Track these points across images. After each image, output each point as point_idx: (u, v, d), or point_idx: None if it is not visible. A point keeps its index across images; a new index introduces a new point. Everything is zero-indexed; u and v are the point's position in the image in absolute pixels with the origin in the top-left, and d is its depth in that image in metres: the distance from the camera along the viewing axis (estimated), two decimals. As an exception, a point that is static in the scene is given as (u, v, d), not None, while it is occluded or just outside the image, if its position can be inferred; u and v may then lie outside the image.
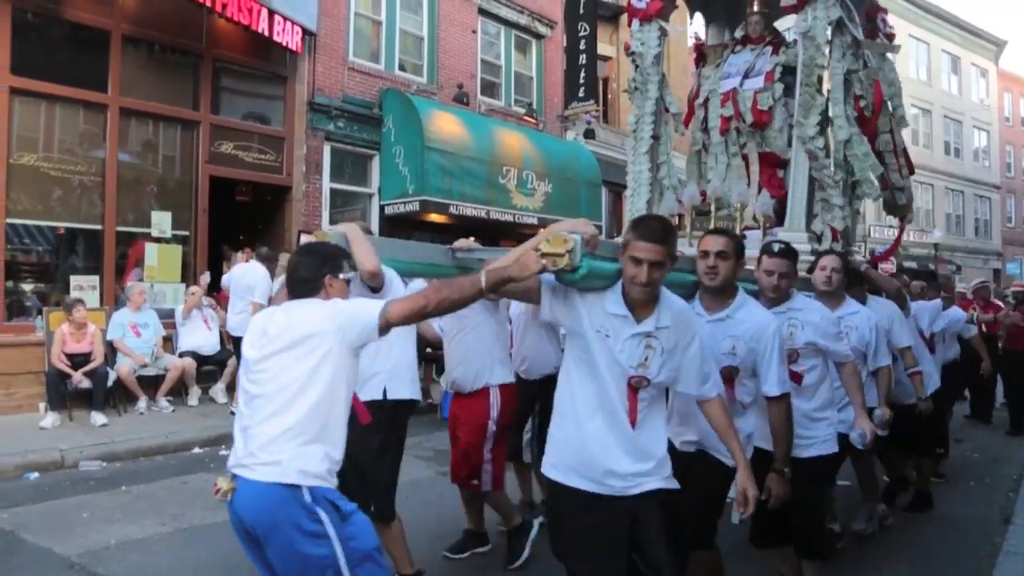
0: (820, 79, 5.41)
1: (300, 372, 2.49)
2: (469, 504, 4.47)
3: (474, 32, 13.95)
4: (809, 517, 3.63)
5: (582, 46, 14.44)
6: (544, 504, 4.23)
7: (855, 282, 4.65)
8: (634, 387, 2.62)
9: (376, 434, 3.51)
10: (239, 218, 11.49)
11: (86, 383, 7.46)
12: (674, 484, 2.70)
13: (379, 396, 3.59)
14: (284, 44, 10.37)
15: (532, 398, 4.85)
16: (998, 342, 9.31)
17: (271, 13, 9.96)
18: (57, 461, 6.32)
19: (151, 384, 8.29)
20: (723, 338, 3.12)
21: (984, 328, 8.98)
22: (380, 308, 2.54)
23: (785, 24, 6.72)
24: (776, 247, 3.55)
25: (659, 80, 6.29)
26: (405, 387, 3.72)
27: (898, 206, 6.44)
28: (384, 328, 2.55)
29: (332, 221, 11.68)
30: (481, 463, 4.18)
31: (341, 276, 2.79)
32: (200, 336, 8.82)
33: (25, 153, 8.52)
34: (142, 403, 7.97)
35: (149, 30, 9.46)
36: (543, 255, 2.46)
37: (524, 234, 11.09)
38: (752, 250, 5.05)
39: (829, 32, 5.47)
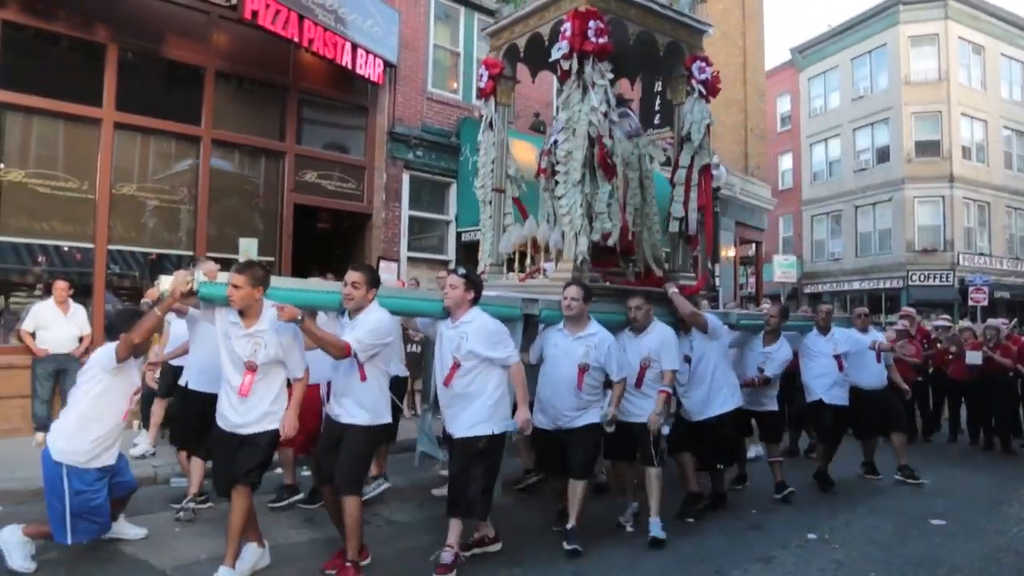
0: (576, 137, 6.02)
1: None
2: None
3: (549, 61, 14.07)
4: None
5: (657, 72, 14.41)
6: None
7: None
8: (249, 368, 4.13)
9: None
10: (320, 244, 11.83)
11: (177, 403, 7.71)
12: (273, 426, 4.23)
13: None
14: (366, 76, 10.72)
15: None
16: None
17: (354, 47, 10.32)
18: (151, 477, 6.57)
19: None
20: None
21: None
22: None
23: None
24: (451, 267, 4.27)
25: (495, 143, 7.36)
26: None
27: (674, 234, 7.39)
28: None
29: (411, 248, 11.92)
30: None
31: None
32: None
33: (125, 183, 9.01)
34: (229, 423, 8.21)
35: (239, 66, 9.93)
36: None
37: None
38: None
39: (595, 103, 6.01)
